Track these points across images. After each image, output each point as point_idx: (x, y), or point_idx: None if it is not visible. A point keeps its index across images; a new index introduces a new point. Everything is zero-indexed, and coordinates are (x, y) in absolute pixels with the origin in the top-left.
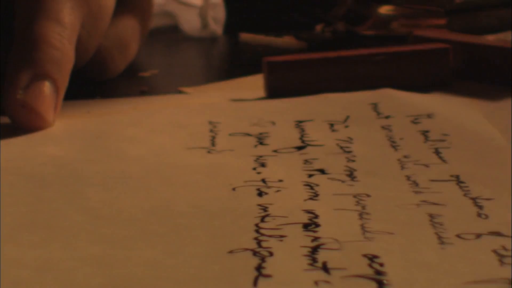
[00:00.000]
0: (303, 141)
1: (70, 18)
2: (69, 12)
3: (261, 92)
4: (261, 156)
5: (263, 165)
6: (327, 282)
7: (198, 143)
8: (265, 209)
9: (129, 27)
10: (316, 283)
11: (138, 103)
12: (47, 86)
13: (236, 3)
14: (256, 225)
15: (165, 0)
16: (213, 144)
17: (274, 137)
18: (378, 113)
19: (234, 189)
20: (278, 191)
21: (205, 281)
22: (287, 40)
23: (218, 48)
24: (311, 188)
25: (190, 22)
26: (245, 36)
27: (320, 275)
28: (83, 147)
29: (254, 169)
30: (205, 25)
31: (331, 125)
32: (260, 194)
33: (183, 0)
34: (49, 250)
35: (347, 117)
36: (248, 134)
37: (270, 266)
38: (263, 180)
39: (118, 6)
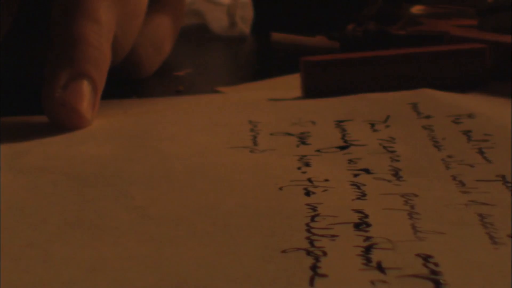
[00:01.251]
0: (345, 141)
1: (107, 17)
2: (105, 11)
3: (298, 92)
4: (304, 156)
5: (307, 164)
6: (383, 282)
7: (240, 142)
8: (314, 208)
9: (163, 26)
10: (372, 282)
11: (175, 102)
12: (86, 85)
13: (263, 2)
14: (307, 224)
15: None
16: (255, 143)
17: (315, 137)
18: (418, 113)
19: (281, 188)
20: (325, 190)
21: (261, 280)
22: (319, 40)
23: (248, 48)
24: (358, 187)
25: (218, 21)
26: (276, 36)
27: (375, 274)
28: (124, 146)
29: (299, 168)
30: (233, 24)
31: (372, 125)
32: (308, 193)
33: None
34: (99, 249)
35: (388, 117)
36: (289, 134)
37: (325, 266)
38: (309, 180)
39: (151, 4)
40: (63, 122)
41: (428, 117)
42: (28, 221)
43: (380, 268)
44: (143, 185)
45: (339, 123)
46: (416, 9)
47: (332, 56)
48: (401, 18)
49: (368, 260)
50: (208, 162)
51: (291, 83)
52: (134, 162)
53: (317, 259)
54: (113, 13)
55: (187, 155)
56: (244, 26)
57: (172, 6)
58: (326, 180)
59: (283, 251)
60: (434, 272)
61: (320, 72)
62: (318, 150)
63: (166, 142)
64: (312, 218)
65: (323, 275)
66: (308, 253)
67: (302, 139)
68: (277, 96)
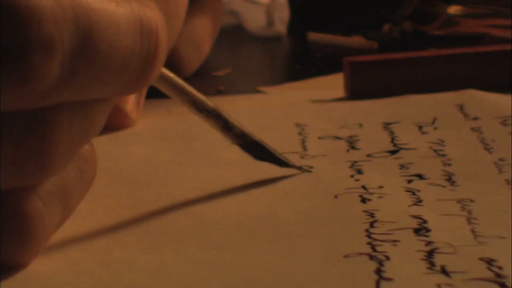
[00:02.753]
0: (395, 145)
1: None
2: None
3: (340, 92)
4: (356, 162)
5: (360, 172)
6: (449, 285)
7: (289, 147)
8: (372, 215)
9: (202, 26)
10: (438, 286)
11: (217, 102)
12: None
13: (299, 2)
14: (366, 230)
15: None
16: (304, 148)
17: (364, 141)
18: (466, 115)
19: (336, 196)
20: (380, 197)
21: (326, 283)
22: (356, 40)
23: (285, 48)
24: (413, 194)
25: (255, 21)
26: (313, 36)
27: (441, 278)
28: (173, 148)
29: (352, 176)
30: (270, 23)
31: (420, 127)
32: (364, 200)
33: None
34: (160, 254)
35: (435, 119)
36: (338, 138)
37: (389, 270)
38: (364, 187)
39: (191, 5)
40: (108, 122)
41: (475, 118)
42: (85, 225)
43: (444, 271)
44: (198, 190)
45: (386, 126)
46: (453, 9)
47: (375, 56)
48: (437, 18)
49: (432, 264)
50: (259, 168)
51: (333, 83)
52: (187, 166)
53: (380, 263)
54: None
55: (237, 160)
56: (281, 26)
57: (211, 7)
58: (380, 187)
59: (346, 256)
60: (499, 275)
61: (364, 72)
62: (368, 155)
63: (217, 146)
64: (371, 224)
65: (389, 279)
66: (371, 257)
67: (352, 144)
68: (320, 97)
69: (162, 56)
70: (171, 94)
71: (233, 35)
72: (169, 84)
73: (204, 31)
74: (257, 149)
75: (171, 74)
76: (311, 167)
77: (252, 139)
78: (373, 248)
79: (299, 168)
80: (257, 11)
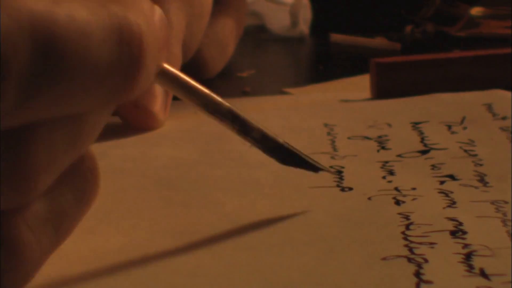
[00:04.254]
0: (425, 145)
1: (178, 18)
2: (176, 13)
3: (367, 93)
4: (387, 162)
5: (391, 172)
6: None
7: (319, 147)
8: (407, 217)
9: (226, 27)
10: None
11: (243, 103)
12: (158, 86)
13: (322, 3)
14: (403, 233)
15: None
16: (334, 149)
17: (394, 141)
18: (494, 114)
19: (369, 198)
20: (414, 199)
21: (366, 286)
22: (378, 41)
23: (308, 48)
24: (447, 195)
25: (279, 21)
26: (335, 37)
27: (480, 281)
28: (202, 149)
29: (384, 177)
30: (295, 24)
31: (449, 126)
32: (398, 203)
33: None
34: (197, 256)
35: (464, 118)
36: (367, 138)
37: (428, 272)
38: (397, 189)
39: (215, 6)
40: (136, 124)
41: (504, 118)
42: (118, 226)
43: (483, 274)
44: (230, 192)
45: (415, 125)
46: (475, 10)
47: (402, 58)
48: (459, 19)
49: (471, 267)
50: (289, 169)
51: (359, 84)
52: (217, 167)
53: (419, 266)
54: (183, 14)
55: (268, 161)
56: (304, 27)
57: (235, 8)
58: (413, 188)
59: (384, 259)
60: None
61: (391, 73)
62: (399, 155)
63: (244, 147)
64: (407, 227)
65: (428, 282)
66: (409, 260)
67: (381, 144)
68: (347, 98)
69: (150, 61)
70: (181, 96)
71: (255, 35)
72: (178, 85)
73: (228, 32)
74: (282, 153)
75: (180, 74)
76: (343, 168)
77: (276, 141)
78: (411, 250)
79: (330, 170)
80: (280, 11)
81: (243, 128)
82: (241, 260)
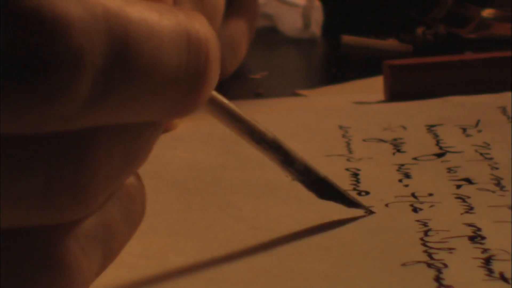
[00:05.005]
0: (440, 148)
1: None
2: None
3: (380, 95)
4: (402, 165)
5: (407, 175)
6: None
7: (334, 150)
8: (425, 224)
9: (239, 28)
10: None
11: (257, 105)
12: None
13: (333, 5)
14: (421, 239)
15: (266, 0)
16: (350, 151)
17: (409, 143)
18: (508, 117)
19: (387, 205)
20: (432, 206)
21: None
22: (390, 43)
23: (319, 50)
24: (464, 201)
25: (290, 23)
26: (347, 39)
27: (500, 285)
28: (218, 152)
29: (400, 181)
30: (307, 25)
31: (464, 129)
32: (415, 210)
33: (286, 0)
34: (215, 260)
35: (478, 121)
36: (382, 140)
37: (448, 277)
38: (414, 195)
39: (227, 7)
40: None
41: None
42: (138, 230)
43: (503, 278)
44: (246, 195)
45: (430, 128)
46: (486, 12)
47: (415, 60)
48: (470, 21)
49: (490, 271)
50: None
51: (372, 86)
52: (234, 170)
53: (439, 271)
54: None
55: None
56: (316, 29)
57: (248, 9)
58: (431, 194)
59: (403, 264)
60: None
61: (405, 76)
62: (415, 158)
63: None
64: (426, 233)
65: (449, 286)
66: (429, 265)
67: (397, 146)
68: (360, 100)
69: (214, 75)
70: (224, 122)
71: (266, 37)
72: (222, 111)
73: (241, 33)
74: (321, 187)
75: (224, 99)
76: (358, 170)
77: (317, 175)
78: (430, 256)
79: (367, 208)
80: (292, 13)
81: (286, 158)
82: (260, 265)
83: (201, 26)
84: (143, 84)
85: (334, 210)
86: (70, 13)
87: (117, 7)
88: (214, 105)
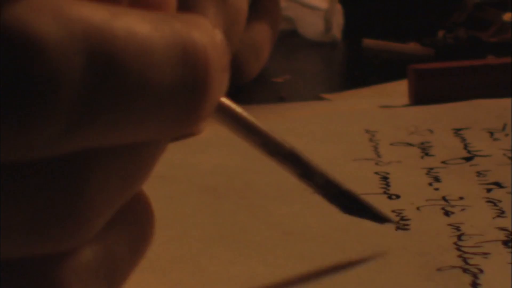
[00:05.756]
0: (469, 151)
1: (216, 24)
2: (213, 18)
3: (405, 99)
4: (432, 169)
5: (437, 179)
6: None
7: (362, 154)
8: (457, 228)
9: (262, 31)
10: None
11: (281, 109)
12: None
13: (354, 8)
14: (455, 243)
15: (287, 4)
16: (378, 155)
17: (437, 147)
18: None
19: (418, 208)
20: (463, 210)
21: None
22: (412, 47)
23: (340, 54)
24: (495, 204)
25: (312, 26)
26: (368, 42)
27: None
28: (246, 156)
29: (430, 184)
30: (328, 29)
31: (491, 133)
32: (447, 213)
33: (307, 4)
34: (249, 266)
35: (505, 125)
36: (410, 144)
37: (485, 283)
38: (444, 198)
39: (249, 11)
40: None
41: None
42: (170, 234)
43: None
44: (277, 200)
45: (457, 132)
46: (508, 16)
47: (440, 64)
48: (491, 25)
49: None
50: (337, 176)
51: (396, 90)
52: (262, 175)
53: (475, 276)
54: (220, 19)
55: None
56: (337, 32)
57: (270, 13)
58: (461, 198)
59: (439, 269)
60: None
61: (430, 80)
62: (444, 162)
63: None
64: (459, 237)
65: None
66: (465, 270)
67: (425, 150)
68: (385, 104)
69: (216, 86)
70: (237, 133)
71: (287, 40)
72: (235, 122)
73: (263, 37)
74: (346, 200)
75: (236, 108)
76: (388, 174)
77: (340, 188)
78: (465, 261)
79: (396, 222)
80: (313, 16)
81: (306, 172)
82: (295, 270)
83: (200, 35)
84: (131, 104)
85: None
86: (44, 33)
87: (101, 22)
88: (225, 114)
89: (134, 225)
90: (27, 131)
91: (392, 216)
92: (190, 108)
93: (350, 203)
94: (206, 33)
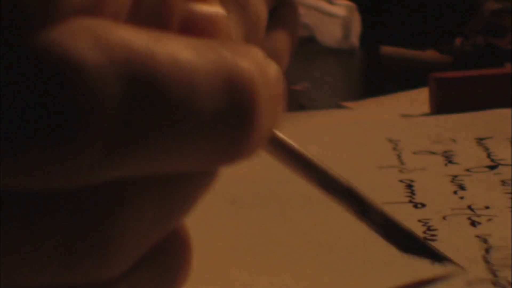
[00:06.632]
0: (492, 160)
1: (236, 32)
2: (235, 27)
3: (425, 108)
4: (456, 176)
5: (462, 187)
6: None
7: (386, 162)
8: (485, 240)
9: (281, 40)
10: None
11: (303, 118)
12: None
13: (371, 16)
14: (483, 256)
15: (305, 11)
16: (402, 162)
17: (461, 156)
18: None
19: (444, 217)
20: (489, 220)
21: None
22: (430, 54)
23: (359, 61)
24: None
25: (329, 33)
26: (386, 49)
27: None
28: (270, 165)
29: (455, 193)
30: (347, 36)
31: None
32: (474, 224)
33: (326, 11)
34: (279, 276)
35: None
36: (433, 152)
37: None
38: (470, 208)
39: (269, 18)
40: None
41: None
42: (197, 244)
43: None
44: (303, 209)
45: (480, 141)
46: None
47: (461, 73)
48: (509, 32)
49: None
50: (360, 184)
51: (416, 98)
52: (286, 184)
53: None
54: (241, 28)
55: None
56: (354, 39)
57: (289, 21)
58: (487, 207)
59: (468, 282)
60: None
61: (451, 89)
62: (468, 170)
63: None
64: (487, 250)
65: None
66: (494, 284)
67: (448, 158)
68: (406, 112)
69: (264, 117)
70: (292, 168)
71: (305, 47)
72: (291, 157)
73: (283, 45)
74: (404, 239)
75: (292, 143)
76: (412, 181)
77: (397, 226)
78: (494, 273)
79: (456, 263)
80: (331, 23)
81: (362, 209)
82: (323, 281)
83: (248, 63)
84: (173, 132)
85: None
86: (85, 57)
87: (142, 47)
88: (280, 149)
89: (167, 258)
90: (62, 159)
91: (419, 225)
92: (234, 138)
93: (407, 241)
94: (255, 62)
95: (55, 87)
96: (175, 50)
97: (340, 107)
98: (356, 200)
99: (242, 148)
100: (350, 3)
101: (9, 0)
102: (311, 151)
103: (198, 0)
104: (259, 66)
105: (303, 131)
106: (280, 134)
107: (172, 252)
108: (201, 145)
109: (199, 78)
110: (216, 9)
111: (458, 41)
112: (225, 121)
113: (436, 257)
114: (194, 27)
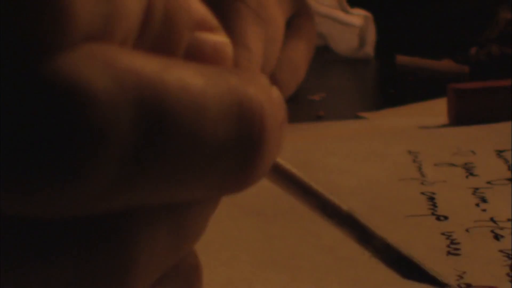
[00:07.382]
0: None
1: (256, 43)
2: (254, 38)
3: (443, 118)
4: (477, 189)
5: (484, 199)
6: None
7: (407, 174)
8: (508, 255)
9: (298, 50)
10: None
11: (321, 128)
12: None
13: (386, 25)
14: (508, 274)
15: (320, 20)
16: (422, 175)
17: (481, 168)
18: None
19: (467, 230)
20: None
21: None
22: (446, 64)
23: (374, 70)
24: None
25: (345, 42)
26: (401, 59)
27: None
28: None
29: (477, 205)
30: (362, 45)
31: None
32: (497, 237)
33: (341, 20)
34: None
35: None
36: (453, 164)
37: None
38: (493, 220)
39: (286, 29)
40: None
41: None
42: (221, 258)
43: None
44: (325, 223)
45: (500, 153)
46: None
47: (479, 83)
48: None
49: None
50: (382, 197)
51: (434, 109)
52: None
53: None
54: (261, 38)
55: (359, 189)
56: (369, 48)
57: (306, 30)
58: (509, 219)
59: None
60: None
61: (469, 100)
62: (489, 182)
63: (335, 174)
64: (511, 267)
65: None
66: None
67: (469, 170)
68: (423, 123)
69: (272, 145)
70: (293, 194)
71: (319, 56)
72: (291, 183)
73: (300, 55)
74: (405, 266)
75: (293, 170)
76: (434, 194)
77: (399, 253)
78: None
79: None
80: (347, 33)
81: (363, 236)
82: None
83: (256, 91)
84: (183, 160)
85: (416, 236)
86: (94, 84)
87: (152, 74)
88: (280, 175)
89: (181, 285)
90: (72, 187)
91: (442, 239)
92: (244, 165)
93: (409, 268)
94: (262, 90)
95: (65, 115)
96: (184, 76)
97: (357, 117)
98: (357, 226)
99: (251, 175)
100: (366, 13)
101: (19, 27)
102: (331, 163)
103: (204, 30)
104: (267, 94)
105: (321, 142)
106: (280, 161)
107: (183, 275)
108: (211, 173)
109: (209, 105)
110: (222, 38)
111: (473, 50)
112: (235, 148)
113: (437, 282)
114: (200, 55)
